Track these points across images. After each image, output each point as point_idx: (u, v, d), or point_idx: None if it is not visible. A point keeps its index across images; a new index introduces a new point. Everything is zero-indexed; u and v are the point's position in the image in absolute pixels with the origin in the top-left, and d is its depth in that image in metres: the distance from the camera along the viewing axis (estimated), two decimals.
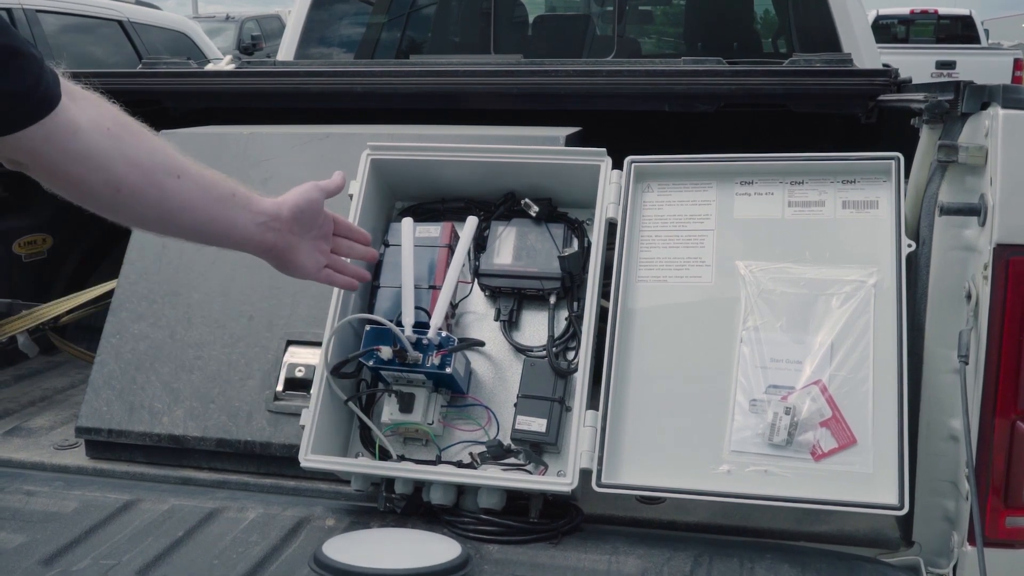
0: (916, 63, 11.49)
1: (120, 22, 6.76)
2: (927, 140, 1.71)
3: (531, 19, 4.76)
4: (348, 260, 1.68)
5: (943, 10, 16.66)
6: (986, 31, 17.56)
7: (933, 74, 12.48)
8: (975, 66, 12.63)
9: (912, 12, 16.76)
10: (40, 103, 1.16)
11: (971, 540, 1.53)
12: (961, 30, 16.06)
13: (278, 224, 1.50)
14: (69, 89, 1.22)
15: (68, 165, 1.22)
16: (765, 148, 1.80)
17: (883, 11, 16.64)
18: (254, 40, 16.82)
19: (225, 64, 2.89)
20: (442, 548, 1.51)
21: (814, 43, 3.91)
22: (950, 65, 12.82)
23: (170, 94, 2.62)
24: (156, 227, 1.42)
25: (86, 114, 1.23)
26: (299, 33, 4.18)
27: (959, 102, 1.63)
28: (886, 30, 15.95)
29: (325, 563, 1.45)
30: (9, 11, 5.62)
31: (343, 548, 1.48)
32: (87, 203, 1.30)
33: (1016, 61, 13.00)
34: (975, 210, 1.56)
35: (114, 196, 1.29)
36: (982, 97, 1.59)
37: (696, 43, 4.54)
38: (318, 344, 1.80)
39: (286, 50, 4.17)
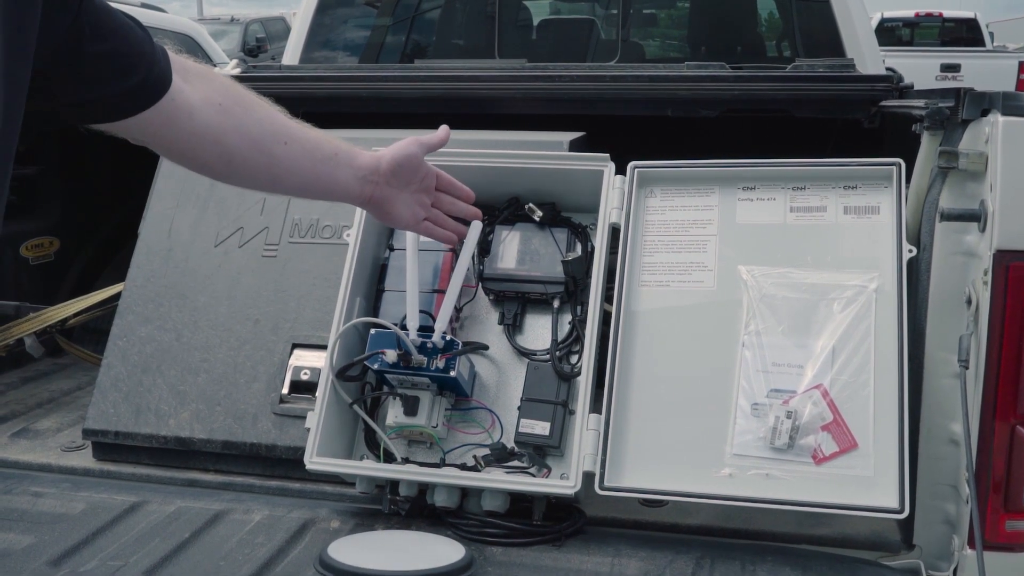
0: (921, 66, 11.51)
1: None
2: (928, 146, 1.72)
3: (535, 23, 4.77)
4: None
5: (948, 13, 16.65)
6: (991, 34, 17.57)
7: (938, 77, 12.47)
8: (980, 69, 12.62)
9: (917, 15, 16.76)
10: (151, 92, 1.22)
11: (971, 543, 1.53)
12: (966, 33, 16.05)
13: (376, 177, 1.55)
14: (182, 67, 1.28)
15: (185, 142, 1.31)
16: (767, 152, 1.81)
17: (888, 14, 16.65)
18: (259, 42, 16.86)
19: (231, 69, 2.91)
20: (446, 550, 1.53)
21: (817, 46, 3.92)
22: (955, 68, 12.81)
23: None
24: (265, 188, 1.54)
25: (199, 93, 1.29)
26: (304, 36, 4.19)
27: (959, 109, 1.64)
28: (891, 33, 15.95)
29: (330, 565, 1.46)
30: None
31: (348, 550, 1.50)
32: (203, 173, 1.40)
33: (1021, 64, 12.99)
34: (975, 216, 1.57)
35: (227, 167, 1.38)
36: (982, 104, 1.60)
37: (700, 47, 4.54)
38: (323, 347, 1.81)
39: (291, 53, 4.19)
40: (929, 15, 16.64)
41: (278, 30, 17.45)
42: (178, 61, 1.28)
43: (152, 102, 1.22)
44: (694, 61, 2.92)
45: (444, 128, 1.66)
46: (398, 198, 1.59)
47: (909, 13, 16.88)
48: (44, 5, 0.99)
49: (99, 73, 1.16)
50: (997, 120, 1.54)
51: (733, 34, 4.56)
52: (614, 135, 2.12)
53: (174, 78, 1.25)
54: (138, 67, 1.20)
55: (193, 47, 7.36)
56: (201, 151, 1.33)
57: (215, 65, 3.18)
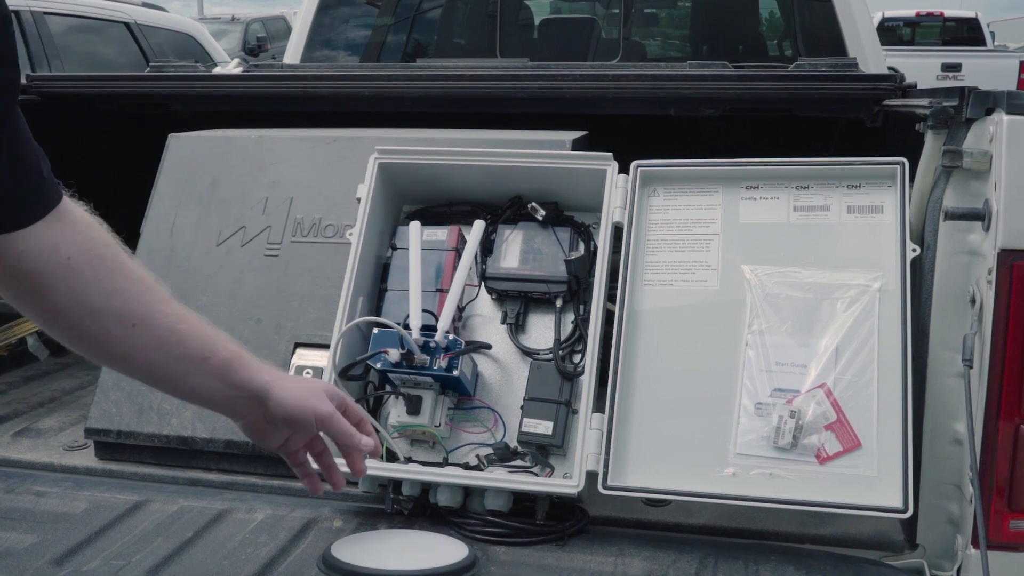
0: (922, 65, 11.51)
1: (127, 24, 6.78)
2: (932, 145, 1.72)
3: (536, 22, 4.77)
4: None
5: (949, 12, 16.66)
6: (992, 33, 17.57)
7: (939, 76, 12.48)
8: (981, 68, 12.62)
9: (918, 14, 16.78)
10: (20, 213, 1.13)
11: (975, 543, 1.53)
12: (967, 32, 16.06)
13: (255, 407, 1.34)
14: (55, 212, 1.17)
15: (7, 280, 1.18)
16: (768, 152, 1.81)
17: (889, 13, 16.65)
18: (259, 42, 16.86)
19: (232, 67, 2.90)
20: (449, 549, 1.53)
21: (819, 46, 3.92)
22: (956, 67, 12.81)
23: (178, 97, 2.64)
24: (103, 364, 1.32)
25: (49, 238, 1.16)
26: (305, 36, 4.19)
27: (964, 108, 1.64)
28: (892, 32, 15.96)
29: (333, 564, 1.46)
30: (17, 13, 5.64)
31: (351, 549, 1.50)
32: (31, 318, 1.24)
33: (1022, 63, 12.98)
34: (979, 215, 1.57)
35: (49, 323, 1.23)
36: (986, 103, 1.60)
37: (701, 46, 4.54)
38: (326, 347, 1.81)
39: (293, 53, 4.20)
40: (930, 14, 16.65)
41: (279, 29, 17.45)
42: (63, 205, 1.18)
43: (12, 228, 1.11)
44: (696, 60, 2.92)
45: (371, 442, 1.43)
46: (275, 432, 1.38)
47: (910, 12, 16.89)
48: None
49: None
50: (1002, 119, 1.53)
51: (734, 33, 4.56)
52: (615, 134, 2.12)
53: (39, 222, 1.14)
54: (28, 182, 1.12)
55: (194, 46, 7.37)
56: (23, 295, 1.19)
57: (216, 64, 3.18)
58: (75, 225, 1.20)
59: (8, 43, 1.05)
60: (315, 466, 1.46)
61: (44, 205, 1.16)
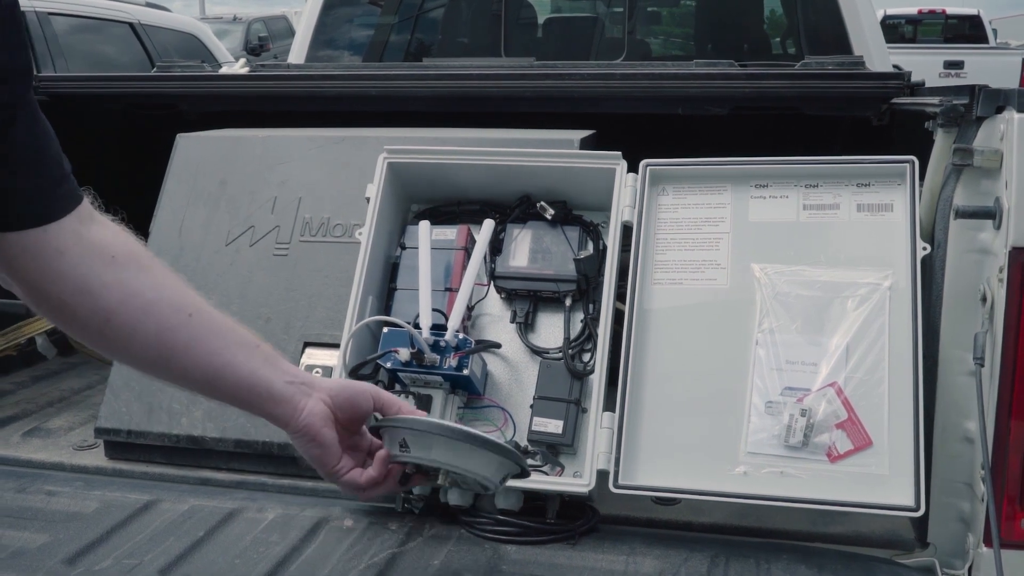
0: (924, 63, 11.50)
1: (130, 24, 6.79)
2: (942, 143, 1.72)
3: (540, 21, 4.77)
4: None
5: (951, 10, 16.67)
6: (994, 31, 17.57)
7: (941, 74, 12.47)
8: (983, 66, 12.61)
9: (920, 12, 16.79)
10: (51, 207, 1.12)
11: (987, 541, 1.53)
12: (969, 30, 16.07)
13: (309, 390, 1.31)
14: (89, 214, 1.19)
15: (49, 284, 1.15)
16: (772, 150, 1.81)
17: (891, 11, 16.67)
18: (261, 41, 16.89)
19: (239, 67, 2.91)
20: None
21: (823, 44, 3.92)
22: (958, 65, 12.80)
23: (185, 97, 2.64)
24: (158, 369, 1.27)
25: (98, 235, 1.17)
26: (310, 35, 4.20)
27: (974, 106, 1.64)
28: (894, 30, 15.96)
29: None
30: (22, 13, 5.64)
31: None
32: (75, 333, 1.23)
33: None
34: (990, 213, 1.57)
35: (103, 326, 1.19)
36: (997, 101, 1.60)
37: (706, 44, 4.54)
38: (335, 346, 1.81)
39: (297, 52, 4.20)
40: (932, 12, 16.66)
41: (280, 29, 17.49)
42: (87, 206, 1.18)
43: (41, 221, 1.10)
44: (701, 59, 2.91)
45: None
46: (332, 425, 1.33)
47: (912, 10, 16.90)
48: None
49: (15, 160, 1.07)
50: (1012, 117, 1.53)
51: (738, 32, 4.56)
52: (623, 133, 2.11)
53: (69, 218, 1.14)
54: (51, 173, 1.11)
55: (197, 46, 7.37)
56: (70, 299, 1.16)
57: (220, 64, 3.18)
58: (110, 226, 1.22)
59: (17, 28, 1.05)
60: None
61: (68, 201, 1.16)
